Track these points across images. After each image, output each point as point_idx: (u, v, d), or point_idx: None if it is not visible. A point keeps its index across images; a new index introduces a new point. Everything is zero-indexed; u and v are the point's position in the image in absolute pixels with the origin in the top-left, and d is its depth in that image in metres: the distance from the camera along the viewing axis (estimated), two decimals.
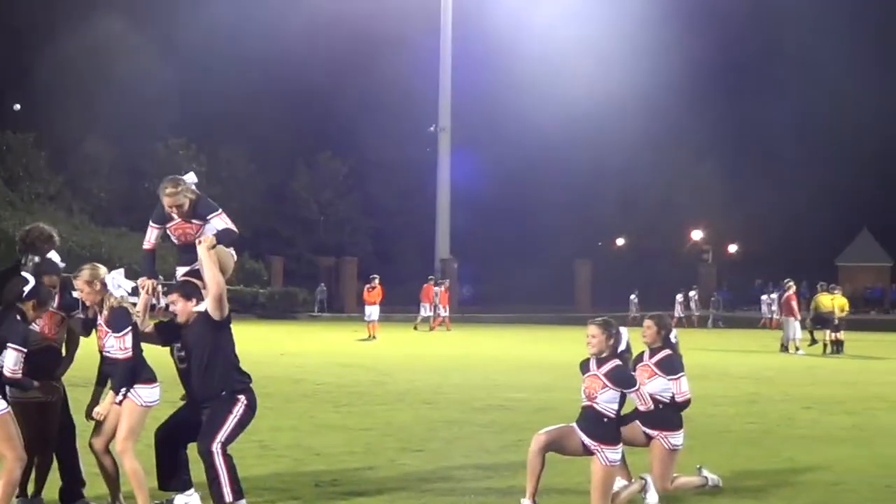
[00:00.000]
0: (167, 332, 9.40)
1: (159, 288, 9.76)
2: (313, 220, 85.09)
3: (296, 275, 75.33)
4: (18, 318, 8.54)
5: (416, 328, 48.61)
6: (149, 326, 9.46)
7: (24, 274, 8.81)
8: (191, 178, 9.77)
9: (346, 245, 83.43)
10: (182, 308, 9.28)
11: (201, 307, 9.22)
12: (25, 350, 8.36)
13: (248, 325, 45.74)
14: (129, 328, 8.99)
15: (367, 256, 78.93)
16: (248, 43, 74.91)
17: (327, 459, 12.11)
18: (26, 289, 8.65)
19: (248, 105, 76.94)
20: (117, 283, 9.15)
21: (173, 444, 9.29)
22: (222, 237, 9.52)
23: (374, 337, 39.45)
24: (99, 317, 9.09)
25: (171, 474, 9.31)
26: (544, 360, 28.59)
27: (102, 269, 9.21)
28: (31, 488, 9.41)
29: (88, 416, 9.19)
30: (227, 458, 8.94)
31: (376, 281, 42.28)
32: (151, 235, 9.78)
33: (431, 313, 50.00)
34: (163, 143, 75.40)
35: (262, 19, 76.78)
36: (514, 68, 78.12)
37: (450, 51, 68.82)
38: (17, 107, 62.17)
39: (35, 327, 9.00)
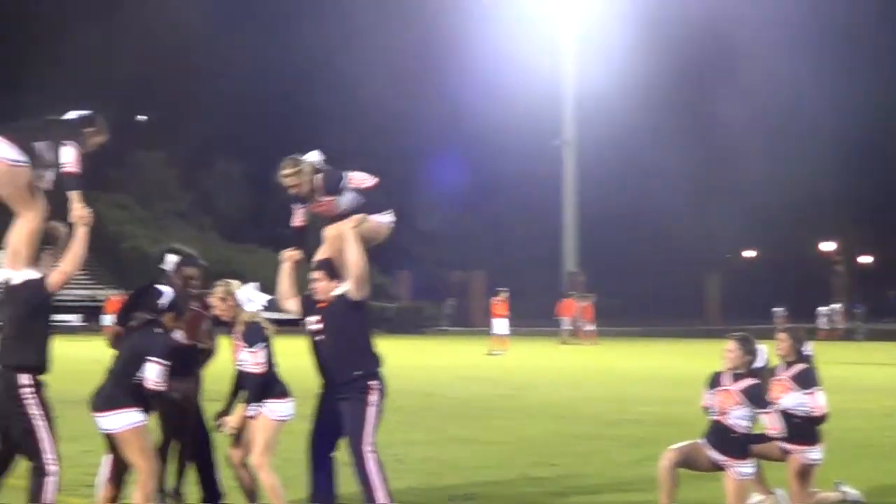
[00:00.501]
0: (308, 305, 9.38)
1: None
2: (441, 234, 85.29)
3: (424, 289, 75.66)
4: (159, 330, 8.63)
5: (564, 342, 48.46)
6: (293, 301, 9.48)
7: (159, 287, 8.92)
8: (313, 156, 9.64)
9: (474, 259, 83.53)
10: (324, 287, 9.23)
11: (342, 289, 9.16)
12: (168, 363, 8.49)
13: (377, 339, 45.90)
14: (263, 343, 9.09)
15: (494, 270, 78.96)
16: (371, 61, 75.46)
17: (460, 473, 12.09)
18: (163, 301, 8.75)
19: (371, 120, 77.53)
20: (249, 297, 9.27)
21: (323, 447, 9.30)
22: (363, 209, 9.43)
23: (502, 351, 39.38)
24: (233, 331, 9.23)
25: (325, 486, 9.32)
26: (675, 374, 28.33)
27: (235, 284, 9.34)
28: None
29: (217, 422, 9.31)
30: (379, 461, 8.96)
31: (504, 294, 42.10)
32: (296, 215, 9.67)
33: (571, 327, 50.01)
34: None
35: (397, 33, 77.28)
36: (638, 78, 77.59)
37: (573, 62, 68.63)
38: (143, 118, 63.44)
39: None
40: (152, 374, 8.37)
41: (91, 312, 60.35)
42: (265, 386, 9.08)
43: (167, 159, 76.62)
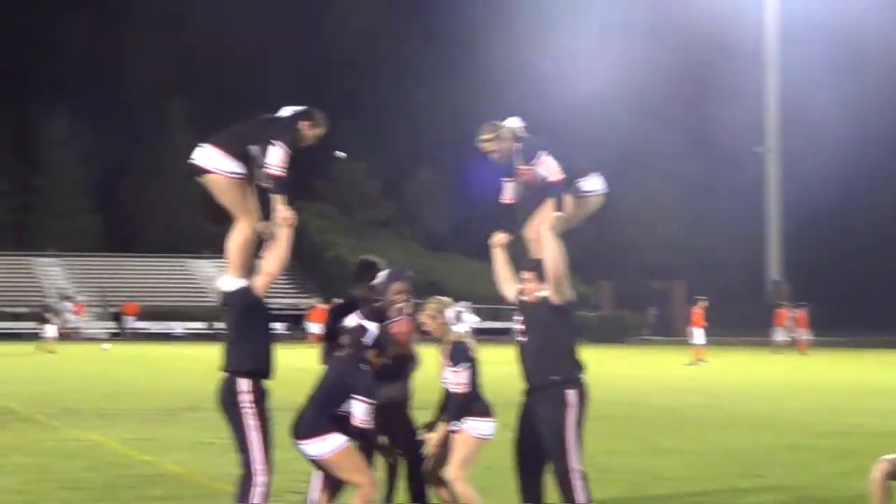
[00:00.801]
0: (518, 304, 9.37)
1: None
2: (642, 243, 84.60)
3: (625, 298, 75.22)
4: (365, 367, 8.68)
5: (776, 352, 48.02)
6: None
7: (364, 323, 8.94)
8: (512, 122, 9.53)
9: (673, 266, 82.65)
10: (532, 289, 9.17)
11: (545, 291, 9.10)
12: (374, 402, 8.54)
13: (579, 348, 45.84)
14: (467, 363, 9.12)
15: (696, 279, 77.98)
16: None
17: (666, 484, 11.96)
18: (367, 339, 8.79)
19: (574, 129, 77.41)
20: (459, 317, 9.35)
21: (527, 454, 9.21)
22: (552, 191, 9.26)
23: (700, 361, 38.78)
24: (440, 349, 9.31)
25: (532, 494, 9.27)
26: (889, 385, 27.62)
27: (447, 302, 9.43)
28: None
29: (421, 436, 9.42)
30: (583, 476, 8.90)
31: (702, 303, 41.41)
32: (505, 190, 9.58)
33: (786, 337, 49.40)
34: (492, 123, 75.86)
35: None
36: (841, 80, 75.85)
37: (776, 68, 67.49)
38: (342, 154, 64.44)
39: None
40: (358, 412, 8.44)
41: (295, 321, 61.67)
42: (467, 405, 9.12)
43: (370, 169, 77.83)
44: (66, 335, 59.05)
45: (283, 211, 8.46)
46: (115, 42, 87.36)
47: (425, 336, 9.61)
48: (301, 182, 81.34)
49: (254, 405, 8.22)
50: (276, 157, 8.44)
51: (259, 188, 8.70)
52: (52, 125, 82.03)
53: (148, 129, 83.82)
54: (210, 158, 8.56)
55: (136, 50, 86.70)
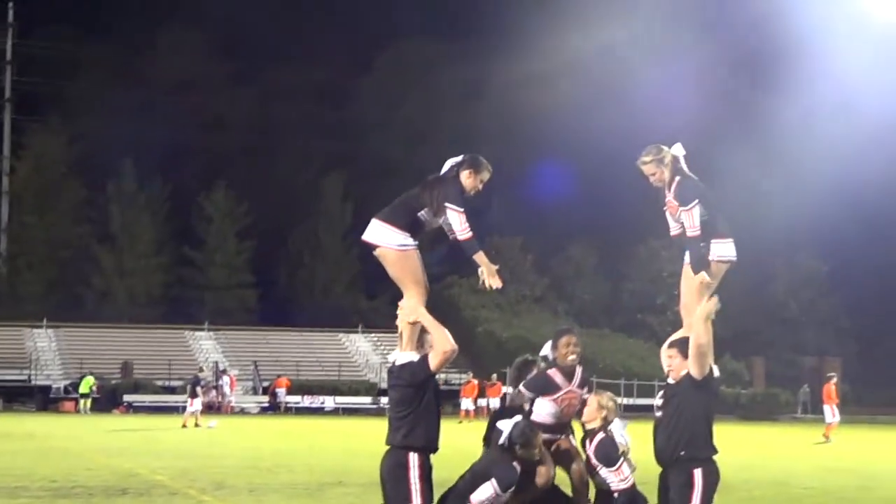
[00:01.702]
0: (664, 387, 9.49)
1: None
2: (794, 319, 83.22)
3: (777, 376, 73.94)
4: (514, 462, 8.87)
5: None
6: None
7: (519, 422, 9.15)
8: (677, 149, 9.49)
9: (828, 345, 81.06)
10: (678, 365, 9.11)
11: (687, 369, 9.03)
12: (503, 494, 8.70)
13: (730, 426, 45.24)
14: (618, 460, 9.29)
15: (851, 356, 76.46)
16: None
17: None
18: (514, 438, 8.99)
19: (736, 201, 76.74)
20: (619, 431, 9.48)
21: None
22: (689, 246, 9.22)
23: (827, 439, 37.87)
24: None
25: None
26: None
27: (607, 399, 9.58)
28: None
29: None
30: None
31: (834, 380, 40.95)
32: (671, 223, 9.61)
33: None
34: (644, 244, 75.78)
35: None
36: None
37: None
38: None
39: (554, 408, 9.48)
40: (482, 494, 8.69)
41: (446, 396, 61.74)
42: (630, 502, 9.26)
43: (524, 243, 78.01)
44: (219, 408, 60.02)
45: (487, 272, 8.60)
46: (274, 117, 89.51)
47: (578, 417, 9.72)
48: (452, 256, 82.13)
49: (420, 481, 8.33)
50: (456, 222, 8.51)
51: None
52: (211, 198, 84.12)
53: (305, 203, 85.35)
54: (378, 233, 8.68)
55: (295, 125, 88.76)
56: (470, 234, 8.58)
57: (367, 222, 8.84)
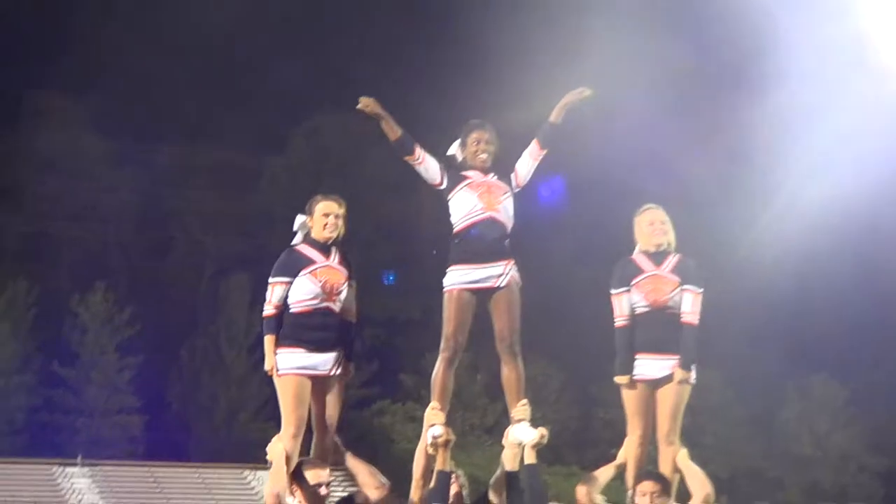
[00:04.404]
0: None
1: None
2: (808, 457, 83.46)
3: None
4: None
5: None
6: None
7: None
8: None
9: (848, 487, 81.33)
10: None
11: None
12: None
13: None
14: None
15: (877, 502, 76.72)
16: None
17: None
18: None
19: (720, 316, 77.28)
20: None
21: None
22: (688, 348, 11.21)
23: None
24: None
25: None
26: None
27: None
28: None
29: None
30: None
31: None
32: None
33: None
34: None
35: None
36: None
37: None
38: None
39: None
40: None
41: None
42: None
43: (472, 360, 78.16)
44: None
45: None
46: (164, 204, 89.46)
47: None
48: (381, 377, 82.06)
49: None
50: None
51: None
52: (86, 303, 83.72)
53: (203, 310, 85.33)
54: None
55: (190, 215, 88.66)
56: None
57: None
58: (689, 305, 10.98)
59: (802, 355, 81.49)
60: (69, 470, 74.42)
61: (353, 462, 10.72)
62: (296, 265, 11.43)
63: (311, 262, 11.37)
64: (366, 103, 11.60)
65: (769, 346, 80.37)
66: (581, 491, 10.20)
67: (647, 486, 9.91)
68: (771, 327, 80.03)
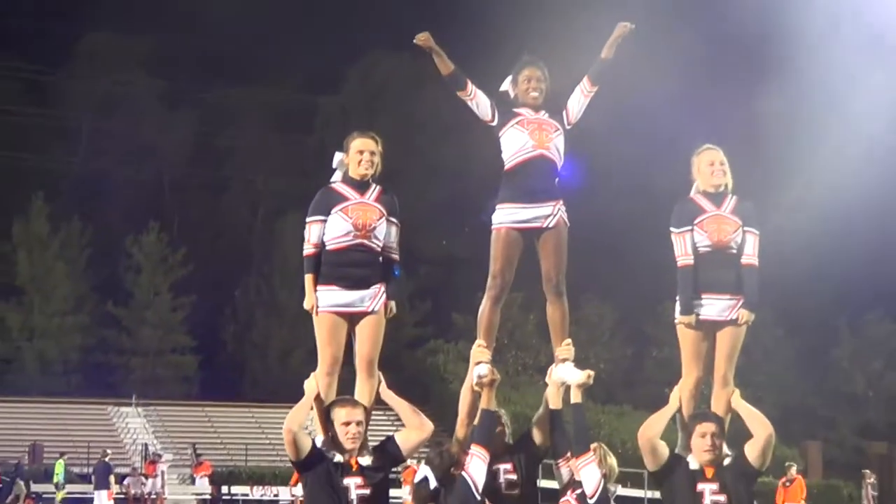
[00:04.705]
0: None
1: None
2: (860, 396, 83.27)
3: (838, 464, 73.94)
4: None
5: None
6: None
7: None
8: None
9: None
10: (721, 446, 10.33)
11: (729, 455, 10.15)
12: None
13: None
14: None
15: None
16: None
17: None
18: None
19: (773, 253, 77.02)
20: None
21: None
22: (752, 287, 11.47)
23: None
24: None
25: None
26: None
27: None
28: None
29: None
30: None
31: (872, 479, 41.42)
32: None
33: None
34: (672, 300, 75.84)
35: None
36: None
37: None
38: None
39: None
40: None
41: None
42: None
43: (524, 300, 78.29)
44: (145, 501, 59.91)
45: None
46: (217, 145, 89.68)
47: None
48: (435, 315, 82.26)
49: None
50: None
51: None
52: (140, 243, 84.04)
53: (257, 249, 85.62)
54: None
55: (244, 155, 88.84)
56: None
57: None
58: (751, 247, 11.04)
59: (854, 294, 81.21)
60: (123, 409, 74.95)
61: (394, 401, 10.75)
62: (328, 203, 11.60)
63: (343, 199, 11.48)
64: (422, 38, 11.70)
65: (820, 286, 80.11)
66: (643, 436, 10.26)
67: (708, 426, 10.02)
68: (822, 265, 79.79)
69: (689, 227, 10.95)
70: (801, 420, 76.91)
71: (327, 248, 11.23)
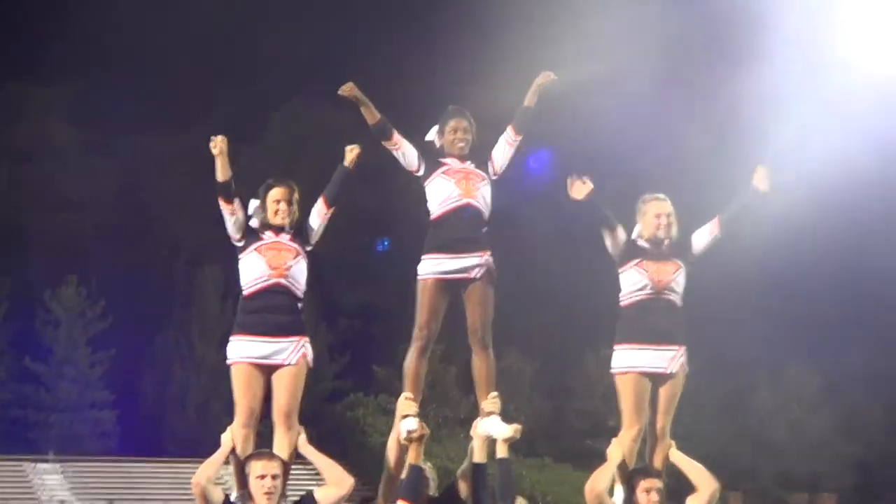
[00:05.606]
0: None
1: None
2: (780, 443, 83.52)
3: None
4: None
5: None
6: None
7: None
8: None
9: (821, 477, 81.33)
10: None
11: None
12: None
13: None
14: None
15: (848, 492, 76.86)
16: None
17: None
18: None
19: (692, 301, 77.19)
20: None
21: None
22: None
23: None
24: None
25: None
26: None
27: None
28: None
29: None
30: None
31: None
32: None
33: None
34: (594, 352, 75.72)
35: None
36: None
37: None
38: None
39: None
40: None
41: None
42: None
43: (444, 352, 78.11)
44: None
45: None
46: (137, 195, 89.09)
47: None
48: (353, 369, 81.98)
49: None
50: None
51: None
52: (58, 297, 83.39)
53: (176, 302, 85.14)
54: None
55: (164, 205, 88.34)
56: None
57: None
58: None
59: (775, 342, 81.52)
60: (41, 466, 74.14)
61: (313, 455, 10.59)
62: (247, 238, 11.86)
63: (258, 238, 11.48)
64: (346, 89, 11.65)
65: (741, 332, 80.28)
66: (591, 492, 10.15)
67: (652, 482, 9.98)
68: (744, 311, 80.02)
69: (632, 266, 10.81)
70: (721, 469, 76.87)
71: (244, 293, 11.13)
